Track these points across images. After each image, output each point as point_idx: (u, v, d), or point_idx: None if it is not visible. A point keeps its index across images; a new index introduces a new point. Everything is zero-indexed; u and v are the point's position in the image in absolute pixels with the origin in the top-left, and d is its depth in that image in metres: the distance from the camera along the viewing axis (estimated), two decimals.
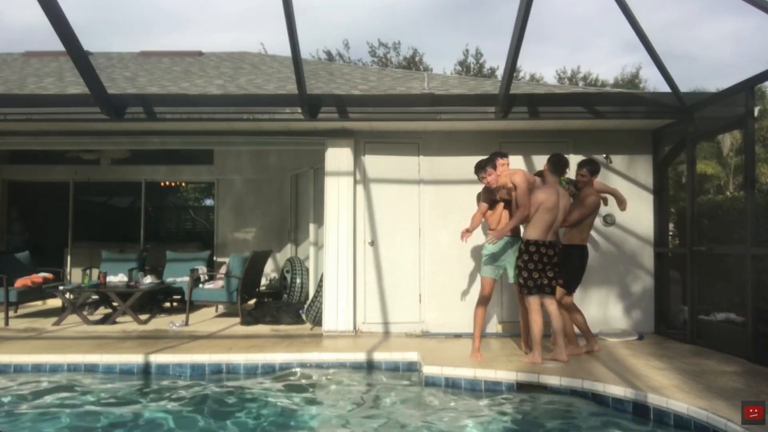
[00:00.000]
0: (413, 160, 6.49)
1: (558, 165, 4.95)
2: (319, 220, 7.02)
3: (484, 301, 5.03)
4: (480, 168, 5.08)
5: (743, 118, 5.02)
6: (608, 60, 36.22)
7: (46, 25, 4.72)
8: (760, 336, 4.83)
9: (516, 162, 6.17)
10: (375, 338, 6.00)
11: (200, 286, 7.37)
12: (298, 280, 7.67)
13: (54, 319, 6.81)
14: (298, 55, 5.21)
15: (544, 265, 4.76)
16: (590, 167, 5.16)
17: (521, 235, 5.01)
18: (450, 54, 39.98)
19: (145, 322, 6.95)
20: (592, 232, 6.27)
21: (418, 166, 6.48)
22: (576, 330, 5.25)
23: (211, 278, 7.68)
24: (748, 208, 4.90)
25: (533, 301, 4.79)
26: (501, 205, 5.16)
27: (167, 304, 8.29)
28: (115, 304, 7.11)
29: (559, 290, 5.05)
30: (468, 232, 5.15)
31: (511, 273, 5.05)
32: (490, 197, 5.15)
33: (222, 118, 6.05)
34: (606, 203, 5.42)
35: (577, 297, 5.57)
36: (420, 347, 5.40)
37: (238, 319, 6.91)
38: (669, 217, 7.00)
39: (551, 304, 4.86)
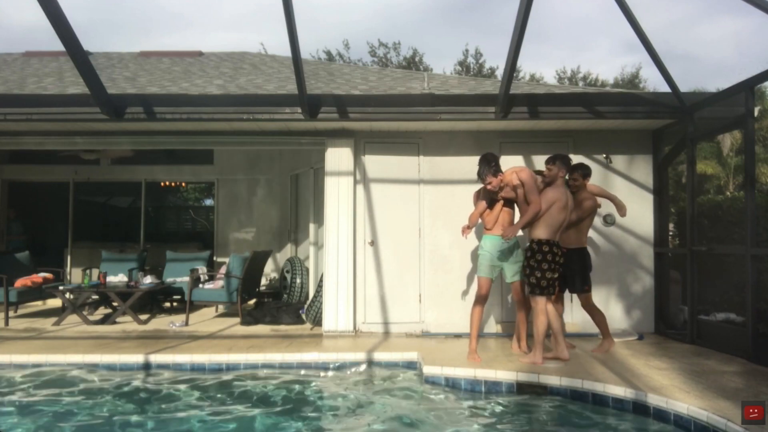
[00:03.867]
0: (413, 160, 6.49)
1: (569, 162, 4.94)
2: (319, 220, 7.03)
3: (481, 300, 5.01)
4: (480, 177, 4.95)
5: (743, 118, 5.02)
6: (608, 60, 36.28)
7: (46, 25, 4.72)
8: (760, 336, 4.84)
9: (516, 162, 6.17)
10: (375, 338, 6.00)
11: (200, 286, 7.37)
12: (298, 280, 7.67)
13: (54, 319, 6.82)
14: (298, 55, 5.21)
15: (556, 264, 4.75)
16: (582, 171, 5.20)
17: (531, 235, 4.90)
18: (450, 54, 40.05)
19: (145, 322, 6.95)
20: (593, 232, 6.29)
21: (418, 166, 6.48)
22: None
23: (211, 278, 7.67)
24: (748, 208, 4.90)
25: (540, 302, 4.75)
26: (500, 204, 5.07)
27: (167, 304, 8.29)
28: (115, 304, 7.11)
29: (586, 296, 5.19)
30: (468, 228, 5.11)
31: (508, 273, 5.05)
32: (489, 196, 5.06)
33: (222, 118, 6.05)
34: (599, 206, 5.43)
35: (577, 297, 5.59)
36: (420, 347, 5.40)
37: (238, 319, 6.91)
38: (669, 217, 7.00)
39: (548, 304, 4.86)
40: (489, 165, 4.89)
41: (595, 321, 5.27)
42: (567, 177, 5.17)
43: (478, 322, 4.98)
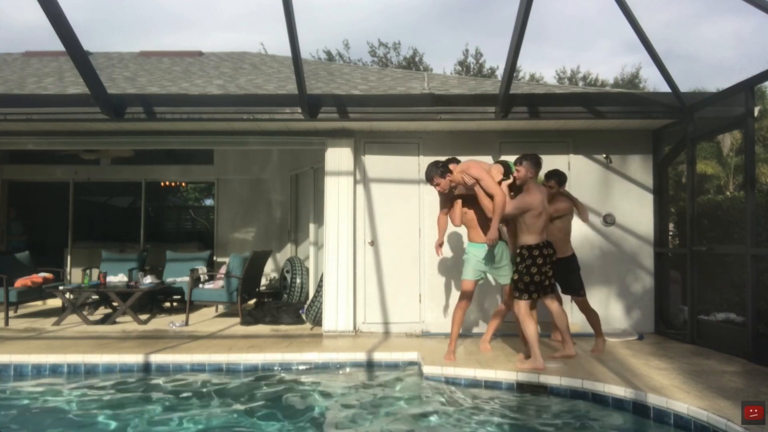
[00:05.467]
0: (413, 160, 6.49)
1: (538, 161, 4.78)
2: (319, 220, 7.03)
3: (464, 302, 4.94)
4: (428, 179, 4.94)
5: (743, 118, 5.02)
6: (608, 60, 36.29)
7: (46, 25, 4.72)
8: (760, 336, 4.84)
9: None
10: (375, 338, 6.00)
11: (200, 286, 7.37)
12: (298, 280, 7.67)
13: (54, 319, 6.82)
14: (298, 55, 5.21)
15: (546, 264, 4.71)
16: (559, 178, 5.21)
17: (519, 242, 4.79)
18: (450, 54, 40.08)
19: (145, 322, 6.95)
20: (593, 232, 6.30)
21: (418, 166, 6.48)
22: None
23: (211, 278, 7.67)
24: (748, 208, 4.90)
25: (524, 306, 4.65)
26: (459, 202, 4.97)
27: (167, 304, 8.29)
28: (115, 304, 7.11)
29: (583, 300, 5.20)
30: (440, 246, 5.10)
31: (499, 279, 4.99)
32: (446, 200, 5.03)
33: (222, 118, 6.05)
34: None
35: None
36: (420, 347, 5.40)
37: (238, 319, 6.91)
38: (669, 217, 7.00)
39: (552, 303, 4.85)
40: (436, 166, 4.87)
41: (590, 321, 5.31)
42: (548, 184, 5.16)
43: (459, 322, 4.94)
